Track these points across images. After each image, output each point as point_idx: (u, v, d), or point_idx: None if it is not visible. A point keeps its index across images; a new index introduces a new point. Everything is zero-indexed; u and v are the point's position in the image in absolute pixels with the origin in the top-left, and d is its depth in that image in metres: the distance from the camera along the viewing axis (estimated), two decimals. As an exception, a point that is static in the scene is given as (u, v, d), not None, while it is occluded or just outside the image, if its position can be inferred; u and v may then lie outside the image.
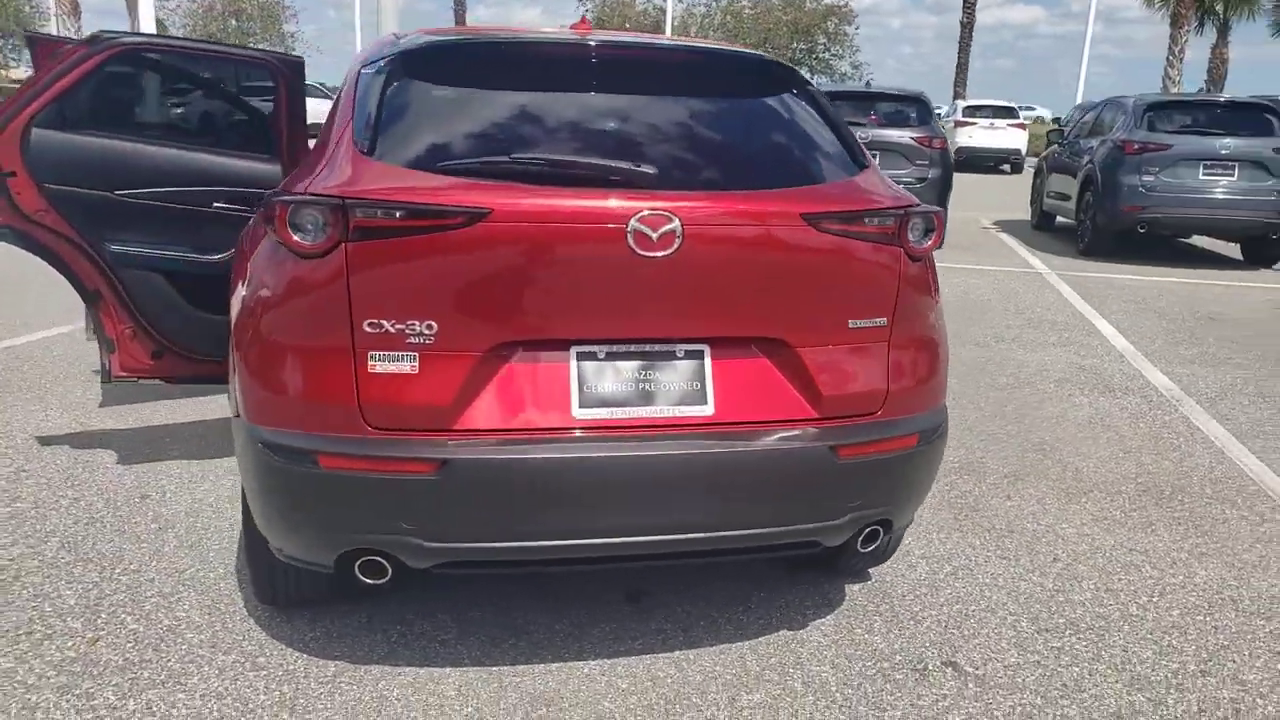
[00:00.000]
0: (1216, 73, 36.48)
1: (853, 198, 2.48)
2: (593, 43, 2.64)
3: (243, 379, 2.40)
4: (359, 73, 2.65)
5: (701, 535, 2.42)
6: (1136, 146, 10.84)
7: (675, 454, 2.33)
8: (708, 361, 2.41)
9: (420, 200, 2.23)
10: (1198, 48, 35.08)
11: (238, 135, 3.77)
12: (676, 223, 2.26)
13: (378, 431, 2.28)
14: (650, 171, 2.34)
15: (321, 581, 2.81)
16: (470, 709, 2.53)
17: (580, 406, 2.33)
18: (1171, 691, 2.73)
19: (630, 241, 2.26)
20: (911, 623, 3.04)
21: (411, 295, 2.25)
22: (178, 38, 4.53)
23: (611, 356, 2.36)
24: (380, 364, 2.28)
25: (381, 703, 2.54)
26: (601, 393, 2.34)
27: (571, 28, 3.05)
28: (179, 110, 3.77)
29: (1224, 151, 10.58)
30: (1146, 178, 10.65)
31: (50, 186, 3.40)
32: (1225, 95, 11.70)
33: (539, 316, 2.31)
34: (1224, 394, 5.81)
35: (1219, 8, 35.68)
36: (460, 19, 35.97)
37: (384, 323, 2.26)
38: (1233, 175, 10.57)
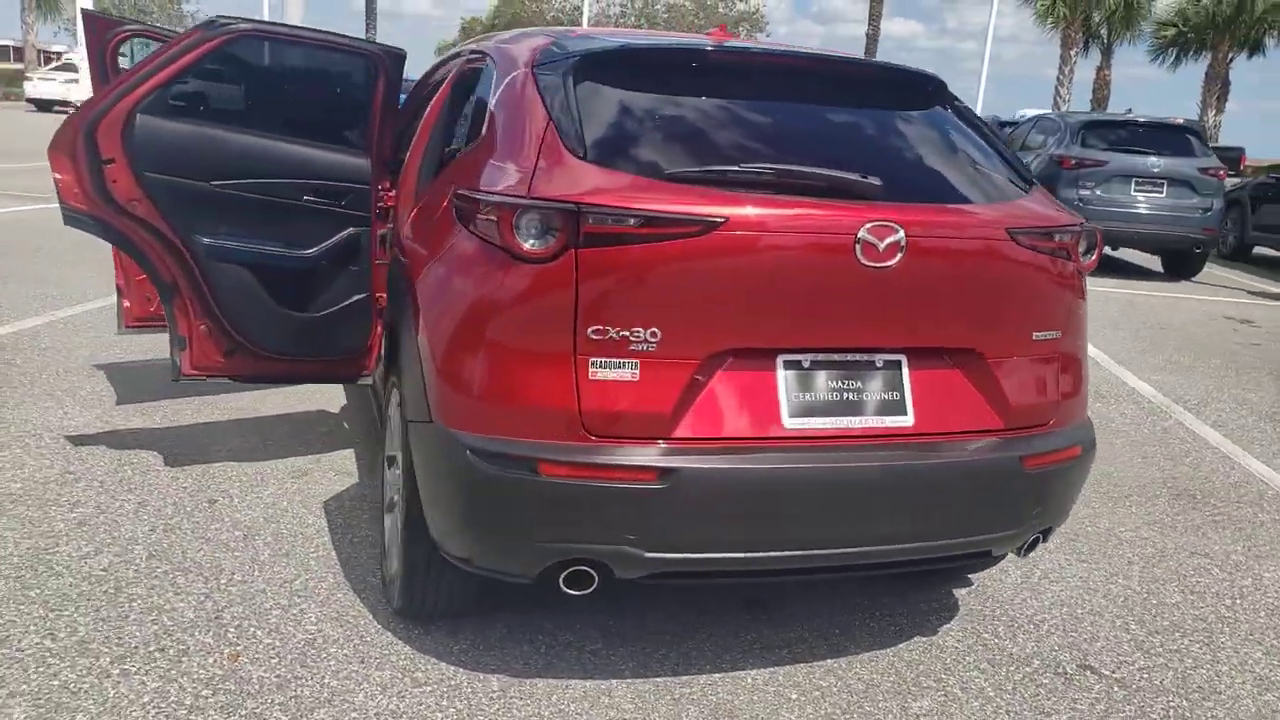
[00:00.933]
0: (1099, 93, 38.45)
1: (1042, 214, 2.54)
2: (778, 53, 2.63)
3: (443, 383, 2.31)
4: (530, 74, 2.56)
5: (902, 546, 2.45)
6: (1074, 162, 11.37)
7: (882, 465, 2.35)
8: (905, 371, 2.43)
9: (658, 208, 2.18)
10: (1083, 68, 36.79)
11: (329, 127, 3.59)
12: (901, 234, 2.28)
13: (597, 439, 2.22)
14: (876, 182, 2.35)
15: (472, 594, 2.73)
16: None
17: (790, 416, 2.32)
18: (1293, 690, 2.89)
19: (857, 252, 2.26)
20: (1031, 626, 3.13)
21: (637, 302, 2.20)
22: (286, 25, 4.27)
23: (815, 366, 2.36)
24: (602, 371, 2.23)
25: (563, 718, 2.48)
26: (808, 402, 2.34)
27: (709, 35, 3.03)
28: (274, 99, 3.57)
29: (1155, 169, 11.19)
30: (1084, 191, 11.18)
31: (149, 175, 3.18)
32: (1150, 117, 12.35)
33: (754, 325, 2.30)
34: (1206, 401, 6.15)
35: (1103, 32, 37.57)
36: (370, 8, 35.03)
37: (609, 329, 2.20)
38: (1162, 193, 11.20)
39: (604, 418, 2.22)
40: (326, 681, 2.55)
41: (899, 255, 2.28)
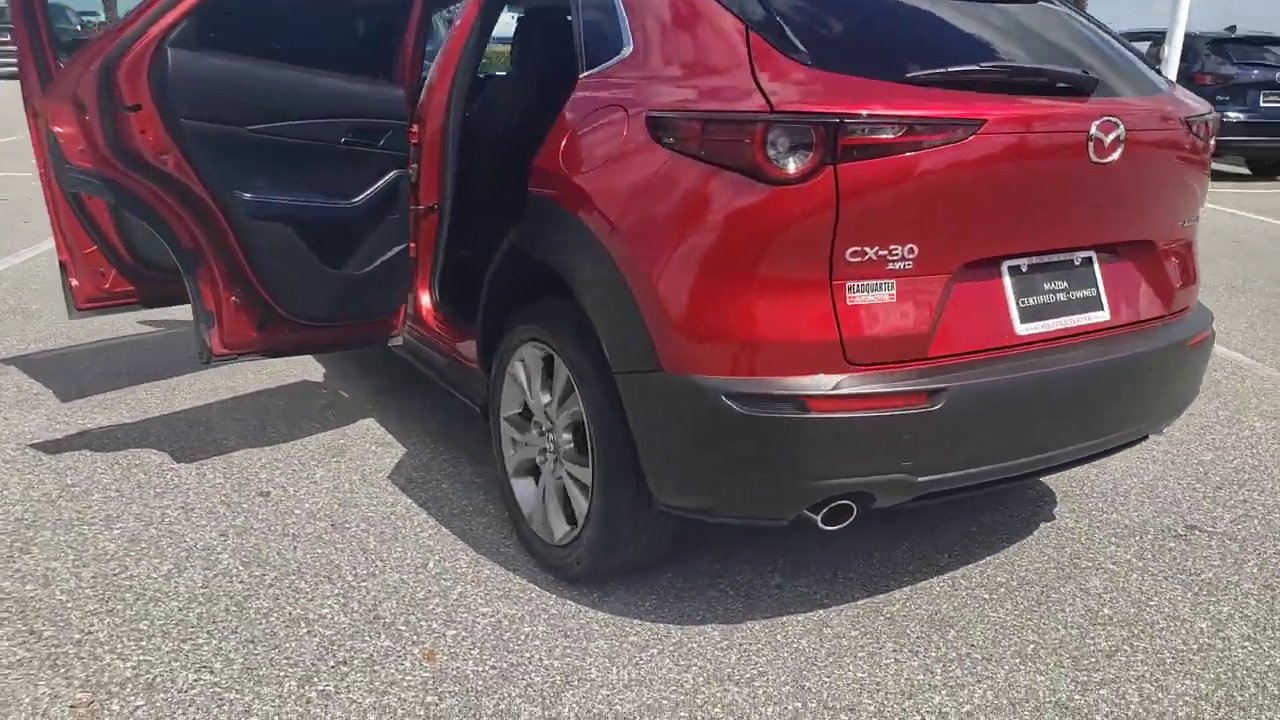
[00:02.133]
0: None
1: (1197, 103, 2.62)
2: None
3: (679, 329, 2.13)
4: None
5: (1108, 437, 2.51)
6: (1208, 79, 11.53)
7: (1097, 362, 2.38)
8: (1096, 267, 2.47)
9: (920, 114, 2.07)
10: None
11: (359, 53, 3.17)
12: (1122, 129, 2.29)
13: (859, 368, 2.13)
14: (1096, 77, 2.33)
15: (665, 547, 2.60)
16: (897, 645, 2.46)
17: (1021, 322, 2.32)
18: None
19: (1089, 150, 2.25)
20: (1122, 500, 3.32)
21: (895, 218, 2.11)
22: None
23: (1032, 270, 2.36)
24: (859, 295, 2.13)
25: (824, 657, 2.41)
26: (1031, 307, 2.34)
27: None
28: (300, 21, 3.07)
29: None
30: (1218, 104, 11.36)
31: (186, 123, 2.69)
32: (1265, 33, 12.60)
33: (992, 232, 2.26)
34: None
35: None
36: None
37: (866, 250, 2.10)
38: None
39: (864, 345, 2.13)
40: (546, 662, 2.36)
41: (1119, 151, 2.29)
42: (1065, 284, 2.41)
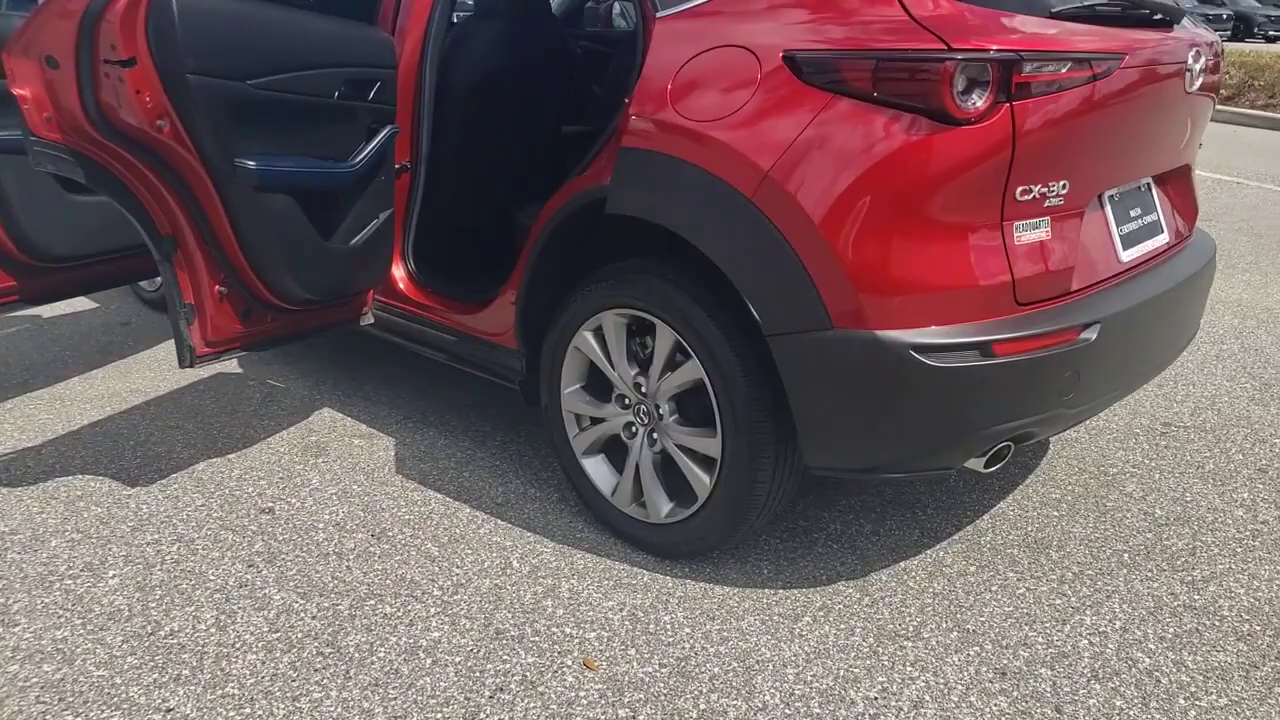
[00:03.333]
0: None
1: (1212, 33, 2.77)
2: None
3: (855, 283, 2.01)
4: None
5: (1171, 357, 2.67)
6: None
7: (1175, 284, 2.50)
8: (1155, 193, 2.59)
9: (1083, 50, 2.05)
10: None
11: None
12: (1204, 59, 2.38)
13: (1026, 307, 2.13)
14: (1181, 8, 2.39)
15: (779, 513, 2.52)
16: (1018, 574, 2.53)
17: (1123, 250, 2.39)
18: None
19: (1185, 79, 2.33)
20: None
21: (1054, 153, 2.09)
22: None
23: (1122, 198, 2.43)
24: (1024, 233, 2.11)
25: (964, 596, 2.43)
26: (1127, 234, 2.42)
27: None
28: None
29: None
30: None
31: (192, 79, 2.19)
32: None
33: (1114, 163, 2.30)
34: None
35: None
36: None
37: (1032, 188, 2.08)
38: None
39: (1030, 284, 2.12)
40: (712, 650, 2.22)
41: (1200, 80, 2.39)
42: (1140, 210, 2.50)
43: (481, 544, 2.60)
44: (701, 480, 2.39)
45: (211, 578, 2.45)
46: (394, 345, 3.19)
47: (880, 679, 2.13)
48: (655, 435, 2.49)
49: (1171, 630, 2.31)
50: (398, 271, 3.08)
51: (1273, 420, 3.43)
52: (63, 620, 2.28)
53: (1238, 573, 2.54)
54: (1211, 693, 2.11)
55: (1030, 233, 2.12)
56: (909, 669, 2.16)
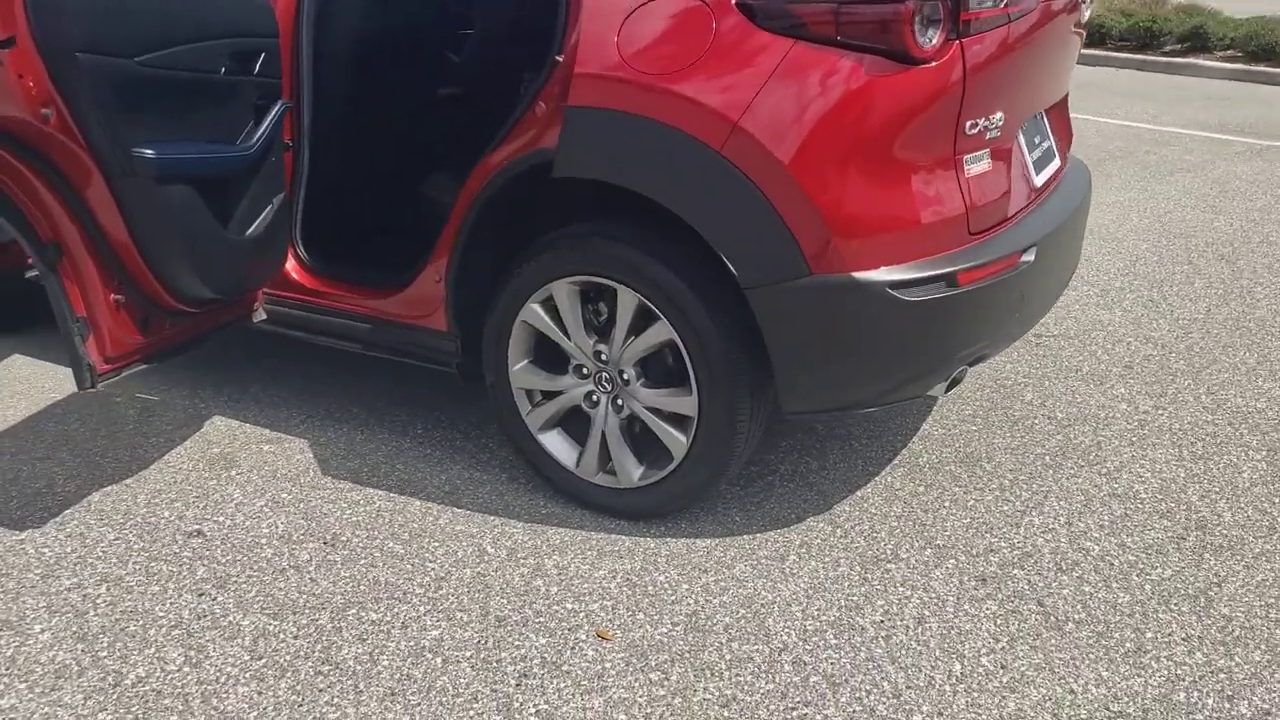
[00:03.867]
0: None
1: None
2: None
3: (835, 225, 2.07)
4: None
5: (1077, 264, 2.90)
6: None
7: (1074, 206, 2.71)
8: (1047, 122, 2.80)
9: None
10: None
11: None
12: None
13: (976, 236, 2.26)
14: None
15: None
16: (964, 487, 2.70)
17: (1035, 174, 2.57)
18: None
19: (1080, 11, 2.52)
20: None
21: (994, 88, 2.22)
22: None
23: (1028, 126, 2.61)
24: (972, 166, 2.24)
25: (927, 515, 2.57)
26: (1036, 159, 2.60)
27: None
28: None
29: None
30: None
31: (82, 58, 1.94)
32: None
33: (1034, 93, 2.47)
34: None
35: None
36: None
37: (978, 122, 2.20)
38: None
39: (979, 214, 2.25)
40: (717, 600, 2.26)
41: (1086, 14, 2.59)
42: (1039, 138, 2.69)
43: (446, 535, 2.51)
44: (677, 439, 2.39)
45: (161, 614, 2.24)
46: (288, 340, 2.98)
47: (879, 603, 2.23)
48: (620, 401, 2.47)
49: (1106, 518, 2.54)
50: (289, 261, 2.87)
51: (1120, 321, 3.80)
52: (2, 687, 2.02)
53: (1140, 459, 2.82)
54: (1156, 566, 2.35)
55: (977, 165, 2.24)
56: (901, 590, 2.28)
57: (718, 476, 2.40)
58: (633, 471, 2.48)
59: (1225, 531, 2.47)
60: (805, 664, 2.04)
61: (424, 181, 2.96)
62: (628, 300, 2.33)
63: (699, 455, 2.37)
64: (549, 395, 2.58)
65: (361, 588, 2.30)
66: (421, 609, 2.23)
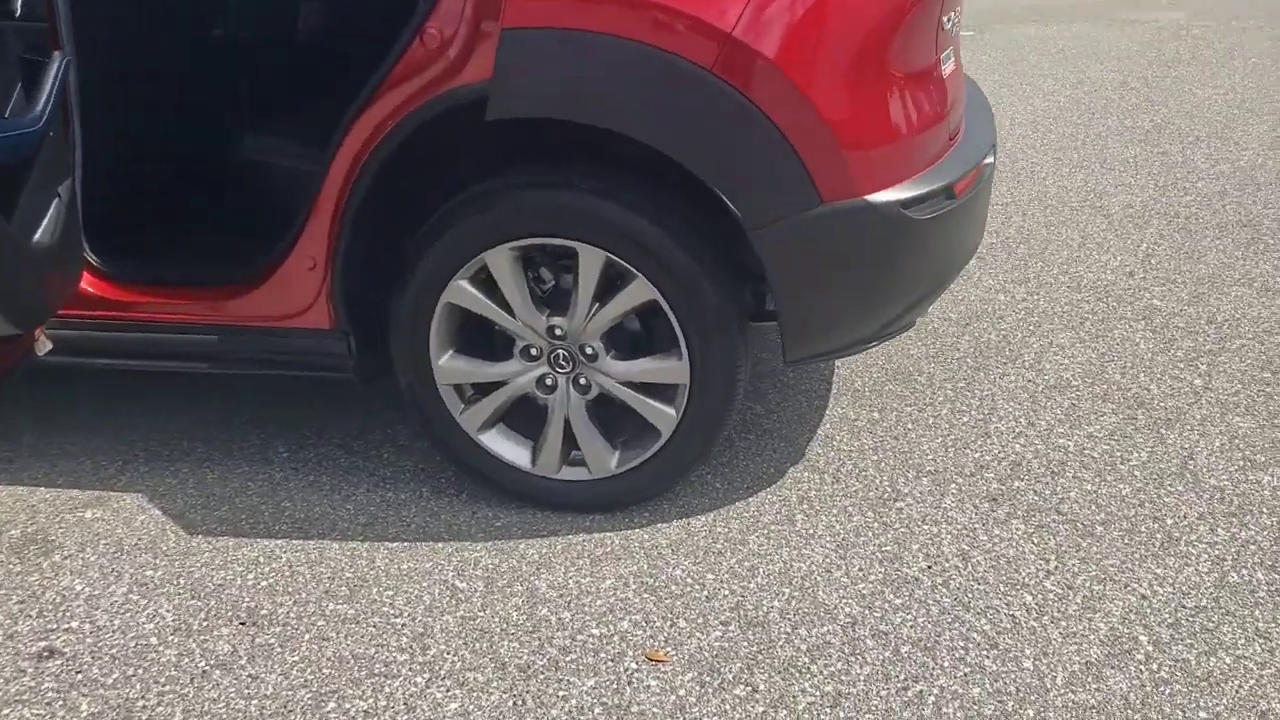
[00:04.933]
0: None
1: None
2: None
3: (850, 147, 1.82)
4: None
5: None
6: None
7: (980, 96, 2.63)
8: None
9: None
10: None
11: None
12: None
13: (953, 141, 2.12)
14: None
15: None
16: (895, 414, 2.61)
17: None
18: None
19: None
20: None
21: None
22: None
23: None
24: (945, 65, 2.08)
25: (897, 441, 2.44)
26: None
27: None
28: None
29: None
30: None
31: None
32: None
33: None
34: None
35: None
36: None
37: (950, 14, 2.05)
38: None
39: (953, 117, 2.10)
40: (761, 584, 2.00)
41: None
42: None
43: (396, 578, 2.04)
44: (664, 413, 2.07)
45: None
46: (91, 370, 2.31)
47: (914, 547, 2.07)
48: (584, 380, 2.10)
49: (1060, 412, 2.54)
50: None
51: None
52: None
53: (1050, 348, 2.86)
54: (1131, 451, 2.37)
55: (947, 64, 2.08)
56: (925, 527, 2.13)
57: (709, 446, 2.12)
58: (608, 458, 2.14)
59: (1163, 404, 2.55)
60: (886, 635, 1.84)
61: (255, 143, 2.35)
62: (592, 261, 1.95)
63: (691, 426, 2.07)
64: (485, 388, 2.15)
65: (327, 672, 1.81)
66: (420, 680, 1.78)
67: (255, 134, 2.43)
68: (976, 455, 2.37)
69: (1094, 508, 2.16)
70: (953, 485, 2.26)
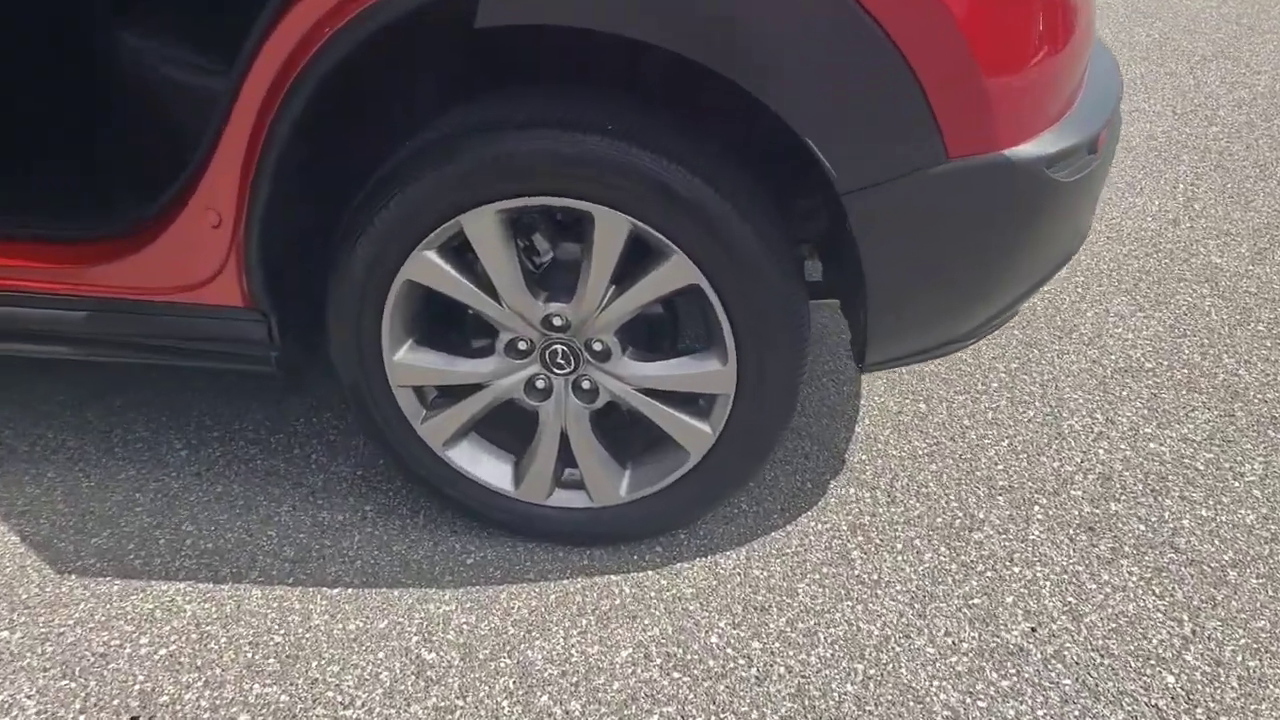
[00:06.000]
0: None
1: None
2: None
3: (992, 90, 1.32)
4: None
5: None
6: None
7: None
8: None
9: None
10: None
11: None
12: None
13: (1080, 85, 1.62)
14: None
15: None
16: (943, 405, 2.17)
17: None
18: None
19: None
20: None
21: None
22: None
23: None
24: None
25: (959, 444, 2.00)
26: None
27: None
28: None
29: None
30: None
31: None
32: None
33: None
34: None
35: None
36: None
37: None
38: None
39: (1088, 49, 1.60)
40: (850, 669, 1.55)
41: None
42: None
43: (340, 646, 1.53)
44: (697, 430, 1.57)
45: None
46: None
47: (1009, 600, 1.64)
48: (588, 384, 1.58)
49: (1139, 407, 2.12)
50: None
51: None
52: None
53: (1106, 317, 2.43)
54: (1242, 461, 1.96)
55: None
56: (1016, 570, 1.70)
57: (753, 473, 1.64)
58: (617, 483, 1.64)
59: (1261, 396, 2.15)
60: (997, 735, 1.41)
61: (136, 46, 1.72)
62: (612, 230, 1.42)
63: (733, 447, 1.58)
64: (454, 391, 1.62)
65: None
66: (380, 818, 1.29)
67: (136, 33, 1.79)
68: (1055, 465, 1.93)
69: (1217, 543, 1.75)
70: (1036, 508, 1.82)
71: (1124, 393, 2.15)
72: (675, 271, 1.43)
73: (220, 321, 1.60)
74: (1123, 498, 1.85)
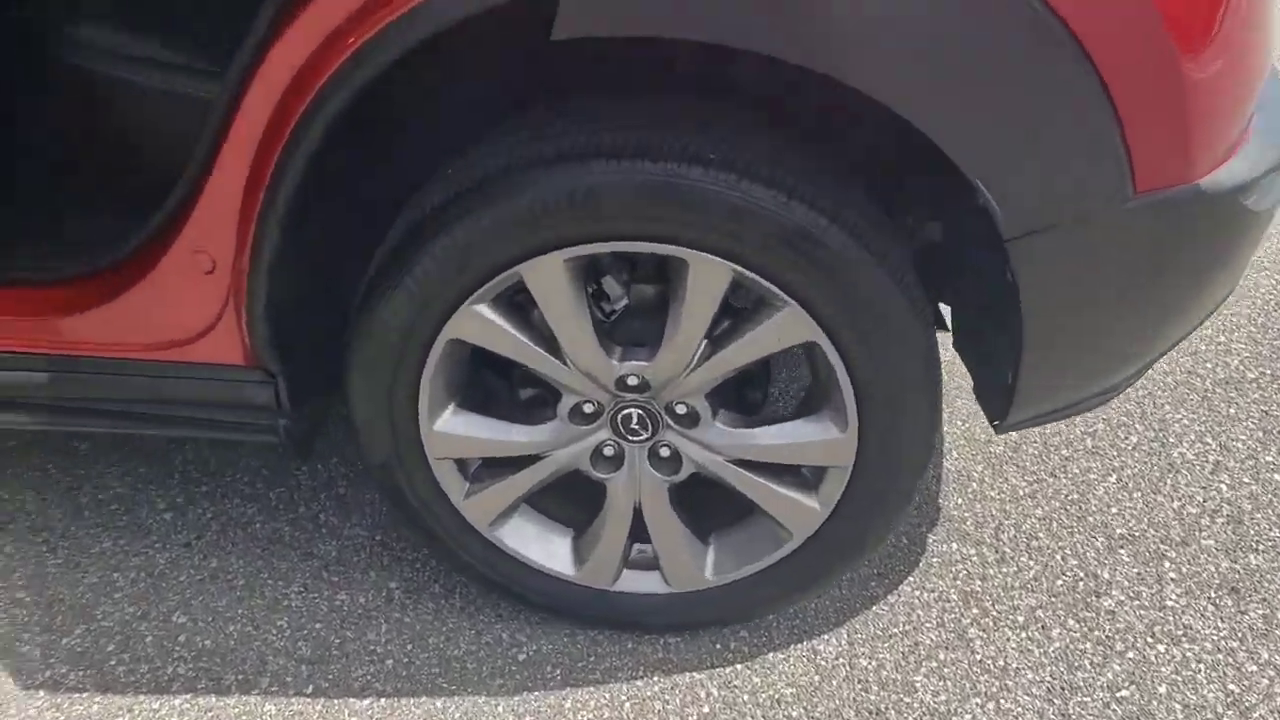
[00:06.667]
0: None
1: None
2: None
3: (1193, 118, 1.05)
4: None
5: None
6: None
7: None
8: None
9: None
10: None
11: None
12: None
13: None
14: None
15: None
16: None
17: None
18: None
19: None
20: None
21: None
22: None
23: None
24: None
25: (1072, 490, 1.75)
26: None
27: None
28: None
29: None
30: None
31: None
32: None
33: None
34: None
35: None
36: None
37: None
38: None
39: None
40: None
41: None
42: None
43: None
44: (803, 507, 1.31)
45: None
46: None
47: (1162, 690, 1.41)
48: (668, 451, 1.30)
49: (1252, 429, 1.89)
50: None
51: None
52: None
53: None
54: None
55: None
56: (1163, 650, 1.47)
57: (868, 553, 1.38)
58: (700, 564, 1.37)
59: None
60: None
61: (110, 44, 1.39)
62: (710, 279, 1.13)
63: (847, 527, 1.32)
64: (500, 465, 1.34)
65: None
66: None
67: (114, 31, 1.46)
68: (1175, 505, 1.70)
69: (1379, 606, 1.53)
70: (1167, 563, 1.59)
71: (1231, 410, 1.91)
72: (788, 326, 1.16)
73: (216, 384, 1.30)
74: (1261, 547, 1.62)
